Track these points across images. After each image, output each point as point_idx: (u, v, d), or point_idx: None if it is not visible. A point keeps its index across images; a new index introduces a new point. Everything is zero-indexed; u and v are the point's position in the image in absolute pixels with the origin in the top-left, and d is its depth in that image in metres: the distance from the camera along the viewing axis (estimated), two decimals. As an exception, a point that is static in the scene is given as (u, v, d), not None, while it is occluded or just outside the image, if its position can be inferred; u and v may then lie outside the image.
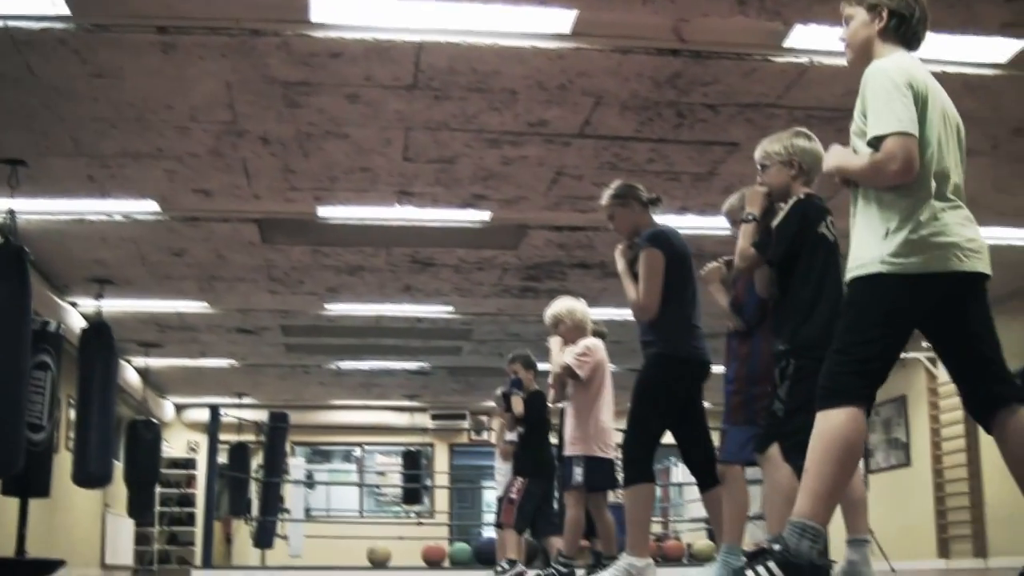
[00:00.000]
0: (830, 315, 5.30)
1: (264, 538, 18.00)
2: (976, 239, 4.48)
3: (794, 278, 5.69)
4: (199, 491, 22.87)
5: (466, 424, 24.30)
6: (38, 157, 9.71)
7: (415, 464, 23.07)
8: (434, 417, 24.10)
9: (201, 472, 22.75)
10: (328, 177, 10.35)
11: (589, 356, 8.58)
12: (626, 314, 14.73)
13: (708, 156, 10.04)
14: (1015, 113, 9.18)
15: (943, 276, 4.39)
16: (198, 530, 22.05)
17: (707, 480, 7.10)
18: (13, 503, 10.88)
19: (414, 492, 23.40)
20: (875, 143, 4.40)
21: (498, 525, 10.71)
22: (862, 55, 4.70)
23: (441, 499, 24.29)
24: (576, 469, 8.41)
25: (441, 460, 25.04)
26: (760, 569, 4.47)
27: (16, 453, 9.11)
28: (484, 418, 24.25)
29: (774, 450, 5.67)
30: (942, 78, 8.13)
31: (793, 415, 5.51)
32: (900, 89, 4.42)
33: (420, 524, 20.31)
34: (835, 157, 4.76)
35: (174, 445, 22.56)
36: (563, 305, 8.97)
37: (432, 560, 18.02)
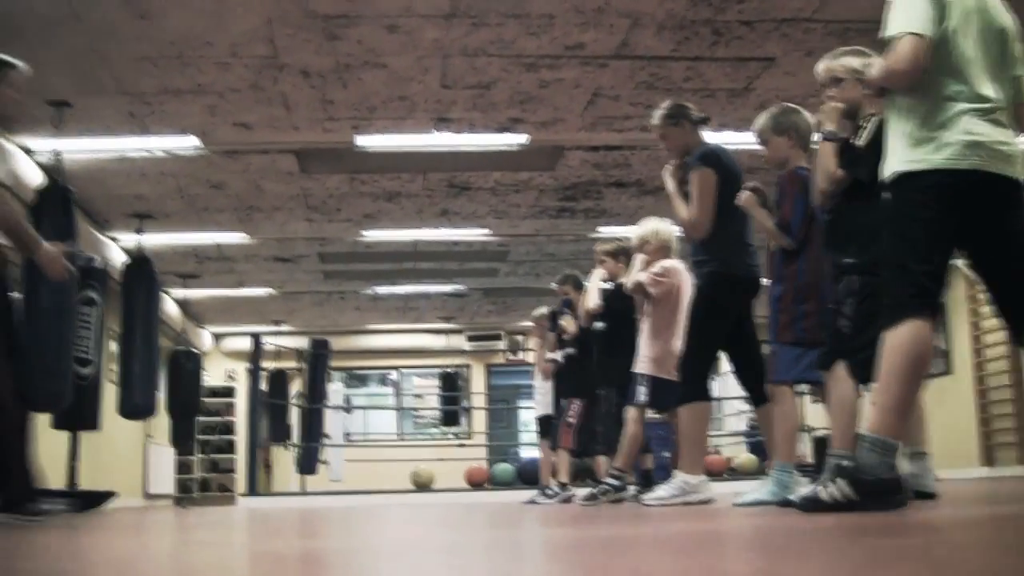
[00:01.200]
0: None
1: (308, 464, 18.22)
2: (1008, 142, 4.51)
3: (866, 194, 5.57)
4: (238, 419, 23.12)
5: (502, 344, 24.43)
6: (81, 98, 9.84)
7: (453, 386, 23.23)
8: (470, 338, 24.24)
9: (240, 400, 23.00)
10: (366, 107, 10.44)
11: (666, 277, 8.61)
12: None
13: (743, 72, 10.07)
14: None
15: (967, 173, 4.43)
16: (239, 458, 22.33)
17: (760, 396, 7.12)
18: (62, 437, 11.06)
19: (452, 414, 23.59)
20: (887, 44, 4.48)
21: (554, 447, 10.80)
22: None
23: (478, 420, 24.44)
24: (640, 388, 8.51)
25: (478, 381, 25.19)
26: (831, 487, 4.59)
27: (65, 388, 9.23)
28: (520, 338, 24.35)
29: (839, 367, 5.73)
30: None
31: (859, 332, 5.54)
32: None
33: (462, 446, 20.44)
34: (869, 67, 4.82)
35: (212, 374, 22.74)
36: (649, 226, 8.91)
37: (475, 481, 18.19)
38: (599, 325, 9.82)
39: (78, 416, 10.37)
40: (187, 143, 11.12)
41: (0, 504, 6.12)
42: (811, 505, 4.71)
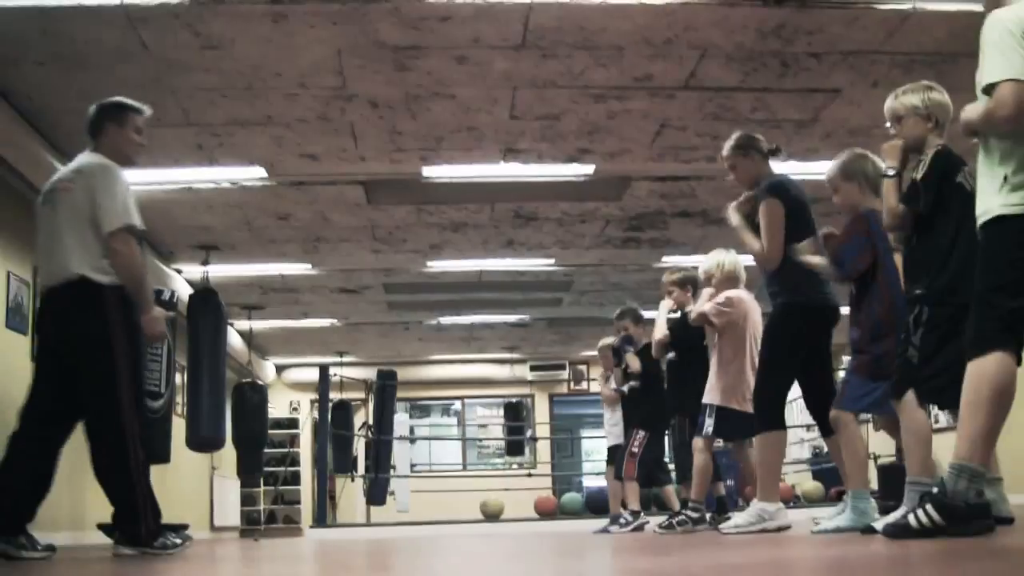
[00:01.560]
0: (965, 264, 5.30)
1: (377, 495, 18.21)
2: None
3: (933, 227, 5.67)
4: (302, 450, 23.20)
5: (565, 374, 24.44)
6: (149, 129, 9.85)
7: (516, 415, 23.26)
8: (533, 368, 24.27)
9: (304, 431, 23.09)
10: (434, 137, 10.46)
11: (729, 307, 8.70)
12: (723, 260, 14.83)
13: (810, 103, 10.04)
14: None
15: None
16: (304, 489, 22.40)
17: (829, 425, 7.03)
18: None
19: (517, 443, 23.62)
20: (988, 90, 4.51)
21: (618, 477, 10.86)
22: (991, 5, 4.76)
23: (543, 450, 24.42)
24: (707, 420, 8.57)
25: (541, 410, 25.18)
26: (919, 513, 4.66)
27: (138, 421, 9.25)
28: (583, 367, 24.39)
29: (910, 395, 5.72)
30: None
31: (927, 361, 5.58)
32: (1014, 36, 4.51)
33: (529, 475, 20.41)
34: (964, 111, 4.82)
35: (276, 405, 22.83)
36: (713, 259, 9.06)
37: (544, 511, 18.15)
38: (670, 355, 9.90)
39: (148, 449, 10.38)
40: (254, 174, 11.17)
41: (132, 539, 6.46)
42: (898, 531, 4.77)
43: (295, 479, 22.93)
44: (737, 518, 7.27)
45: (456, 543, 8.39)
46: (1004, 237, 4.56)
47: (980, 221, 4.66)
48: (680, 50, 8.78)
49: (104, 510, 6.62)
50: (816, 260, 6.88)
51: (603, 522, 11.59)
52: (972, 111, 4.74)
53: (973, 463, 4.56)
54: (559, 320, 20.38)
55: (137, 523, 6.48)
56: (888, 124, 6.04)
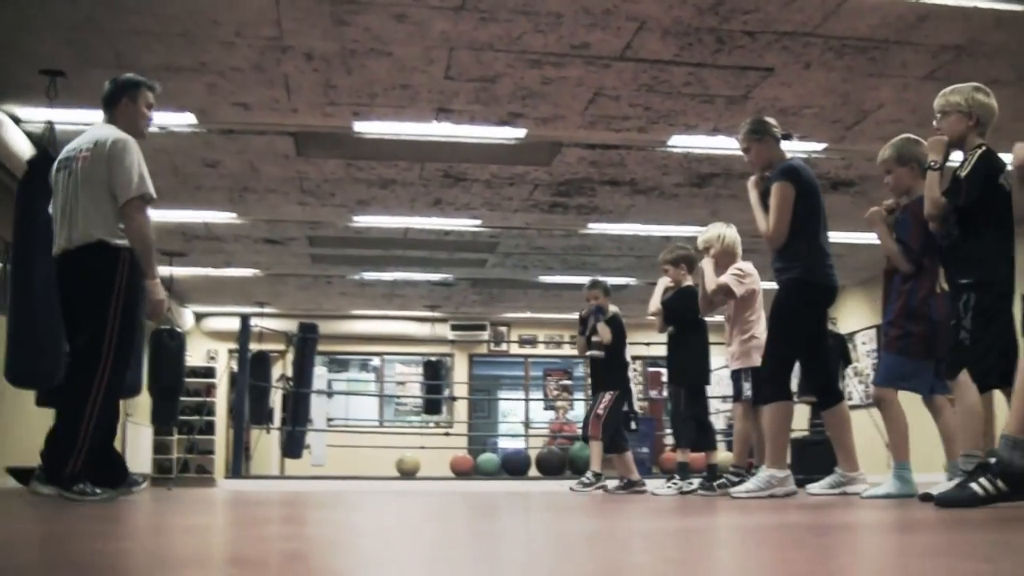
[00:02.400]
0: (1005, 258, 6.03)
1: (293, 448, 18.19)
2: None
3: (976, 223, 6.08)
4: (218, 400, 23.11)
5: (486, 335, 24.51)
6: (78, 69, 9.78)
7: (435, 374, 23.30)
8: (454, 328, 24.31)
9: (220, 381, 23.01)
10: (368, 93, 10.44)
11: (745, 277, 9.09)
12: (650, 230, 15.02)
13: (743, 80, 10.13)
14: (1042, 47, 9.30)
15: None
16: (218, 439, 22.33)
17: (826, 398, 7.78)
18: (46, 414, 10.99)
19: (434, 402, 23.67)
20: None
21: (585, 439, 11.28)
22: None
23: (460, 409, 24.49)
24: (745, 384, 9.05)
25: (460, 370, 25.23)
26: (983, 481, 4.96)
27: (57, 365, 9.19)
28: (504, 329, 24.49)
29: (964, 375, 6.12)
30: (973, 12, 8.34)
31: (977, 343, 6.02)
32: None
33: (447, 434, 20.49)
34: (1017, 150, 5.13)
35: (193, 353, 22.70)
36: (713, 231, 9.40)
37: (460, 470, 18.23)
38: (669, 329, 10.25)
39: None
40: (184, 120, 11.09)
41: (54, 476, 6.77)
42: (964, 499, 5.01)
43: (209, 429, 22.81)
44: (748, 483, 7.63)
45: (378, 500, 8.42)
46: None
47: None
48: (619, 21, 8.83)
49: (15, 455, 6.67)
50: (889, 240, 7.19)
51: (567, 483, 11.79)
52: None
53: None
54: (482, 281, 20.44)
55: (65, 462, 6.70)
56: (934, 121, 6.38)
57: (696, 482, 9.73)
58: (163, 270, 17.69)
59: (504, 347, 25.05)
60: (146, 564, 2.56)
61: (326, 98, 10.58)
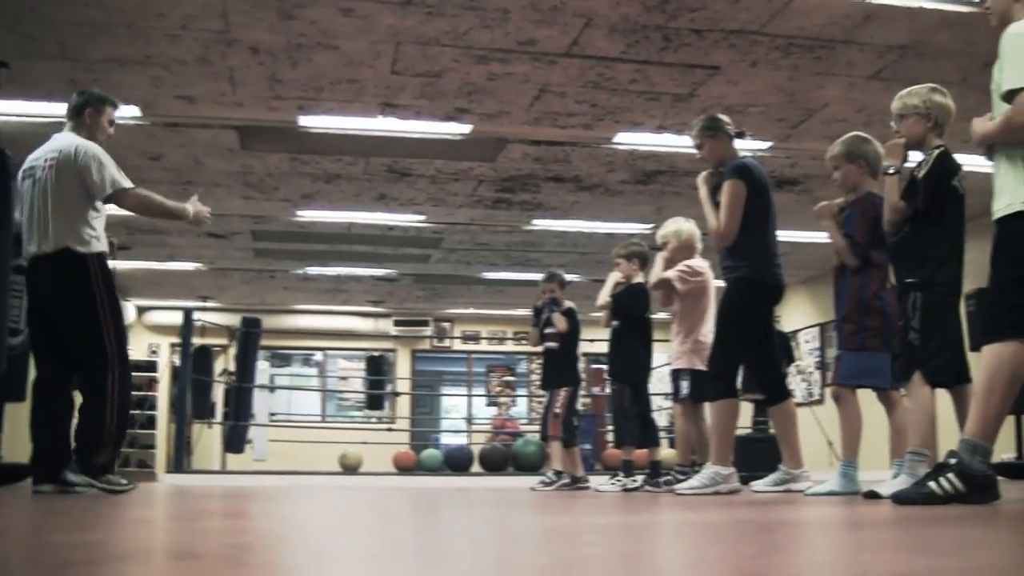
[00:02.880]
0: (954, 259, 6.07)
1: (235, 443, 18.11)
2: None
3: (929, 223, 6.11)
4: (160, 395, 22.98)
5: (429, 331, 24.51)
6: (21, 60, 9.70)
7: (378, 370, 23.27)
8: (397, 323, 24.29)
9: (162, 375, 22.86)
10: (314, 87, 10.41)
11: (692, 275, 9.10)
12: (594, 226, 15.03)
13: (689, 78, 10.17)
14: (986, 48, 9.35)
15: None
16: (160, 434, 22.18)
17: (774, 395, 7.81)
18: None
19: (377, 397, 23.63)
20: (1008, 96, 4.84)
21: (544, 438, 11.24)
22: (1003, 21, 5.09)
23: (402, 405, 24.46)
24: (683, 383, 9.09)
25: (403, 366, 25.20)
26: (942, 480, 5.01)
27: (2, 357, 9.13)
28: (447, 325, 24.52)
29: (916, 376, 6.11)
30: (919, 12, 8.41)
31: (927, 342, 6.07)
32: None
33: (389, 430, 20.46)
34: (976, 124, 5.15)
35: (135, 347, 22.55)
36: (671, 227, 9.44)
37: (403, 466, 18.21)
38: (614, 323, 10.22)
39: (6, 388, 10.20)
40: (128, 113, 11.00)
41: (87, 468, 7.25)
42: (919, 498, 5.06)
43: (151, 423, 22.68)
44: (693, 480, 7.64)
45: (322, 494, 8.40)
46: (1019, 233, 4.92)
47: (1000, 215, 4.99)
48: (565, 17, 8.84)
49: None
50: (838, 236, 7.23)
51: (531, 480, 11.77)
52: (983, 124, 5.06)
53: (985, 440, 4.94)
54: (426, 276, 20.45)
55: (95, 454, 7.25)
56: (892, 123, 6.41)
57: (640, 479, 9.78)
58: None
59: (447, 343, 25.07)
60: (90, 557, 2.54)
61: (271, 92, 10.55)
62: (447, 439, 24.11)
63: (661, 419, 20.54)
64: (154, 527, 3.92)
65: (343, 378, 26.09)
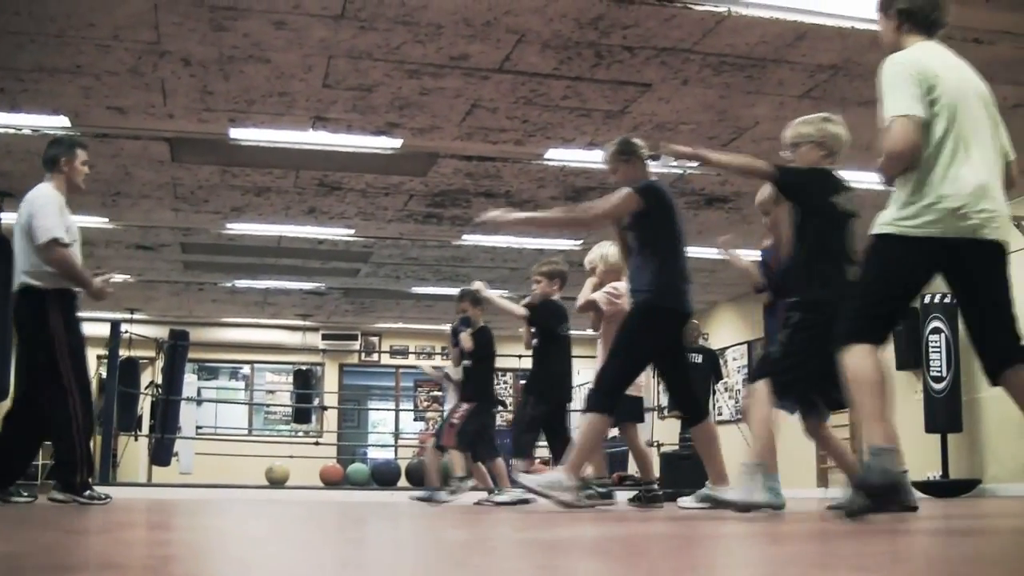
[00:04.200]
0: (831, 275, 6.06)
1: (162, 456, 18.01)
2: (990, 209, 4.90)
3: (812, 245, 6.22)
4: (85, 406, 22.74)
5: (357, 345, 24.49)
6: (-53, 68, 9.64)
7: (306, 383, 23.21)
8: (325, 337, 24.25)
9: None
10: (245, 100, 10.38)
11: (619, 297, 9.01)
12: (523, 242, 15.09)
13: (621, 95, 10.23)
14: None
15: (939, 240, 4.87)
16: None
17: (694, 416, 7.78)
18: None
19: (304, 411, 23.58)
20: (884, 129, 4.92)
21: (439, 447, 11.19)
22: (893, 51, 5.17)
23: (330, 419, 24.39)
24: None
25: (331, 380, 25.13)
26: (859, 494, 5.01)
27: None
28: (375, 339, 24.49)
29: (761, 384, 6.16)
30: (851, 33, 8.53)
31: (785, 357, 6.14)
32: (905, 77, 4.92)
33: (317, 443, 20.42)
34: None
35: (60, 358, 22.28)
36: (597, 251, 9.41)
37: (330, 480, 18.18)
38: (534, 342, 10.15)
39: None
40: (58, 123, 10.94)
41: (68, 486, 7.92)
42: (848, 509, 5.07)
43: (75, 435, 22.44)
44: (539, 476, 7.77)
45: (248, 507, 8.40)
46: (884, 251, 5.00)
47: (872, 232, 5.06)
48: (498, 33, 8.87)
49: None
50: (744, 263, 7.52)
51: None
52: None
53: (883, 443, 4.89)
54: (355, 290, 20.43)
55: (73, 475, 7.85)
56: (785, 152, 6.52)
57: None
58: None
59: (375, 357, 25.04)
60: (8, 570, 2.54)
61: (203, 104, 10.51)
62: (374, 453, 24.09)
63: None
64: (79, 538, 3.90)
65: (270, 391, 25.99)
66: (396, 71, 9.68)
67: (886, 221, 4.95)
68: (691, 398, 7.87)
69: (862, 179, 7.82)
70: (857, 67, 9.42)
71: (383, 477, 17.07)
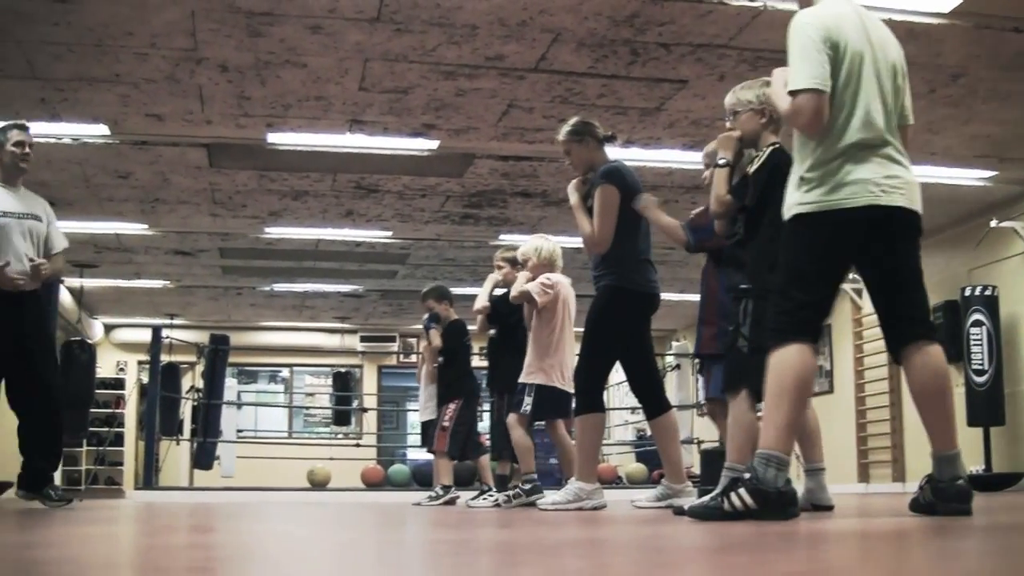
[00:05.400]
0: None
1: (204, 459, 18.09)
2: (897, 175, 4.82)
3: (760, 223, 5.90)
4: (128, 412, 22.89)
5: (395, 346, 24.51)
6: (-11, 80, 9.72)
7: (345, 385, 23.25)
8: (364, 339, 24.29)
9: (130, 393, 22.78)
10: (282, 104, 10.43)
11: (551, 287, 8.92)
12: (565, 241, 15.05)
13: (657, 92, 10.23)
14: (953, 60, 9.45)
15: (857, 210, 4.73)
16: (127, 451, 22.09)
17: (653, 407, 7.49)
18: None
19: (344, 413, 23.62)
20: (792, 95, 4.79)
21: (431, 451, 11.07)
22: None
23: (369, 421, 24.44)
24: (526, 398, 8.82)
25: (370, 382, 25.19)
26: (732, 496, 4.85)
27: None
28: (413, 340, 24.51)
29: (744, 392, 5.97)
30: (886, 24, 8.46)
31: (755, 353, 5.74)
32: (815, 44, 4.80)
33: (357, 445, 20.48)
34: (774, 84, 5.10)
35: (102, 365, 22.43)
36: (531, 244, 9.30)
37: (371, 482, 18.19)
38: (491, 332, 10.24)
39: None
40: (97, 131, 11.03)
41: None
42: (708, 513, 4.99)
43: (119, 440, 22.58)
44: (555, 495, 7.48)
45: (291, 510, 8.42)
46: (801, 234, 4.85)
47: (784, 217, 4.94)
48: (533, 33, 8.88)
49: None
50: (666, 220, 7.17)
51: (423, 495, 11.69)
52: (776, 94, 5.05)
53: (779, 451, 4.77)
54: (392, 292, 20.46)
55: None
56: (726, 121, 6.30)
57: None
58: (74, 281, 17.58)
59: (414, 359, 25.05)
60: (62, 573, 2.57)
61: (240, 109, 10.56)
62: (414, 454, 24.13)
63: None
64: (120, 542, 3.94)
65: (310, 394, 26.06)
66: (432, 73, 9.70)
67: (798, 202, 4.83)
68: (653, 389, 7.58)
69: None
70: (891, 59, 9.39)
71: (424, 477, 17.02)
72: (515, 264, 9.79)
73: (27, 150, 8.29)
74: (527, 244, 9.34)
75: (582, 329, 7.29)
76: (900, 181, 4.80)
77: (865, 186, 4.73)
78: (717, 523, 4.77)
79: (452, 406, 10.66)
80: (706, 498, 5.38)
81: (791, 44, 4.86)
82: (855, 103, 4.82)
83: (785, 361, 4.76)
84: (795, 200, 4.83)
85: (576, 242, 15.47)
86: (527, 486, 8.96)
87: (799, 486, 5.72)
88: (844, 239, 4.82)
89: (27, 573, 2.53)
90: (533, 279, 9.06)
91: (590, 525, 5.28)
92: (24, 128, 8.37)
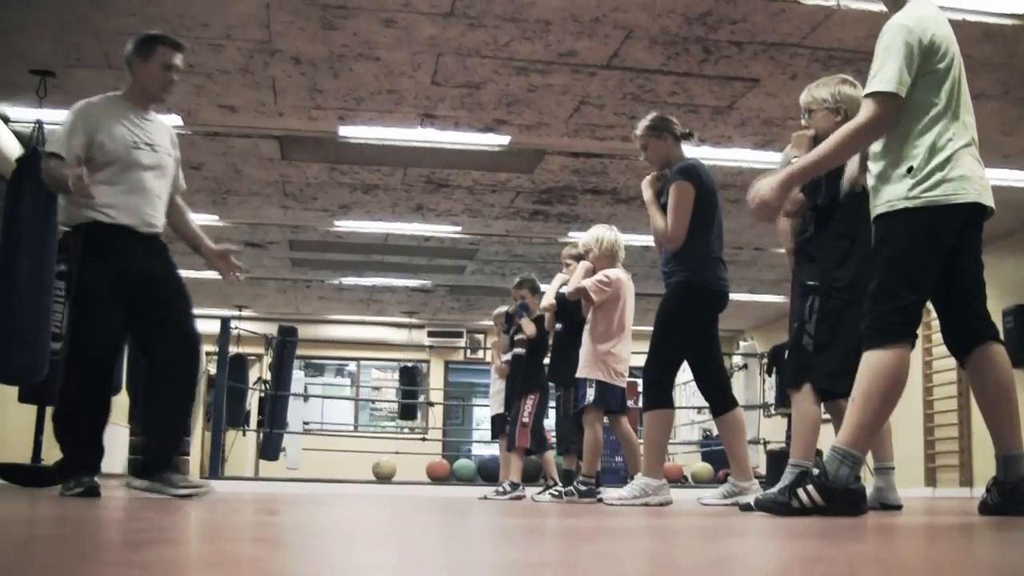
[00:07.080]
0: (862, 261, 5.60)
1: (270, 450, 18.21)
2: (985, 176, 4.84)
3: (830, 221, 5.94)
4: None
5: (462, 342, 24.54)
6: (67, 69, 9.81)
7: (412, 380, 23.32)
8: (431, 334, 24.34)
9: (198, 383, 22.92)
10: (354, 98, 10.47)
11: (608, 285, 8.81)
12: (634, 239, 15.01)
13: (729, 91, 10.19)
14: (1029, 61, 9.39)
15: (963, 207, 4.72)
16: (194, 441, 22.23)
17: (720, 404, 7.47)
18: (28, 411, 10.98)
19: (410, 407, 23.69)
20: (870, 96, 4.84)
21: (510, 448, 10.96)
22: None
23: (435, 415, 24.51)
24: (589, 391, 8.76)
25: (436, 377, 25.26)
26: (800, 492, 4.85)
27: (42, 361, 9.22)
28: (481, 336, 24.53)
29: (806, 387, 5.97)
30: (961, 25, 8.40)
31: (821, 350, 5.89)
32: (909, 48, 4.81)
33: (423, 440, 20.54)
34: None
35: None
36: (593, 234, 9.18)
37: (436, 476, 18.26)
38: (557, 326, 10.12)
39: (48, 391, 10.22)
40: (170, 122, 11.04)
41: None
42: (777, 508, 4.96)
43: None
44: (621, 491, 7.48)
45: (360, 502, 8.45)
46: (907, 229, 4.77)
47: (880, 211, 4.84)
48: (606, 29, 8.87)
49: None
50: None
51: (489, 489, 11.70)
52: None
53: (856, 450, 4.75)
54: (460, 288, 20.51)
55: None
56: (802, 119, 6.24)
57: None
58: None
59: (480, 354, 25.08)
60: (161, 539, 2.59)
61: (312, 102, 10.62)
62: (479, 450, 24.17)
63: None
64: (193, 519, 3.97)
65: (376, 388, 26.15)
66: (504, 68, 9.71)
67: (899, 196, 4.76)
68: (720, 386, 7.54)
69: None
70: (968, 59, 9.22)
71: (489, 472, 17.08)
72: (580, 260, 9.74)
73: (174, 76, 6.97)
74: (589, 233, 9.23)
75: (640, 326, 7.26)
76: (987, 182, 4.82)
77: (971, 183, 4.72)
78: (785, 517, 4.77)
79: (530, 400, 10.66)
80: (772, 490, 5.37)
81: (883, 43, 4.87)
82: (962, 103, 4.85)
83: (884, 364, 4.73)
84: (899, 194, 4.76)
85: (645, 239, 15.55)
86: (583, 487, 8.93)
87: (868, 485, 5.69)
88: (949, 235, 4.78)
89: (138, 539, 2.56)
90: (594, 271, 8.98)
91: (657, 516, 5.29)
92: (177, 47, 6.94)
